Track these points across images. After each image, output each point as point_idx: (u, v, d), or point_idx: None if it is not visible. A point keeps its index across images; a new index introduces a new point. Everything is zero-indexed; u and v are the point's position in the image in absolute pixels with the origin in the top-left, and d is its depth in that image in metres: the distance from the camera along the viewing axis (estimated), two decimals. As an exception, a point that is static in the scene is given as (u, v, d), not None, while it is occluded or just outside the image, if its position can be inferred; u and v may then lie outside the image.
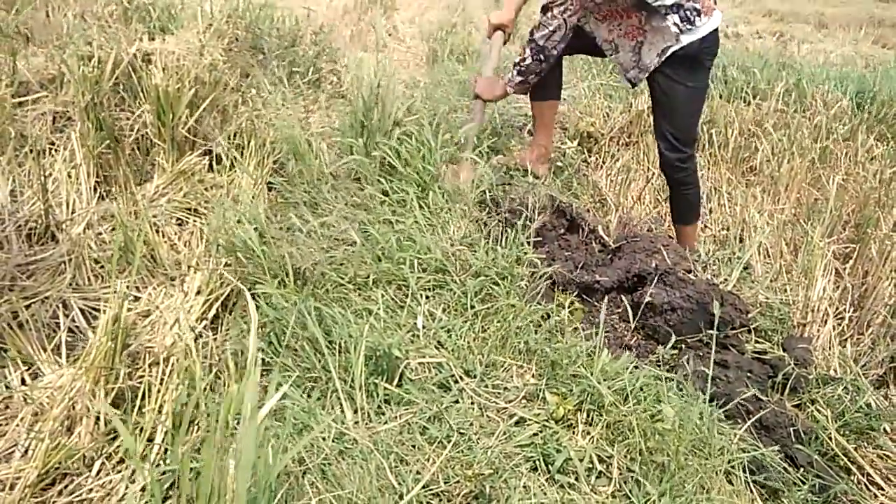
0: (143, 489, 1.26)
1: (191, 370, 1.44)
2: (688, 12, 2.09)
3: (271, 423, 1.30)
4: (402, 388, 1.47)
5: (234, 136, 2.48)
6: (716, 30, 2.16)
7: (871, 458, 1.58)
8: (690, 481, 1.31)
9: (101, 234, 1.94)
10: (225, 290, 1.83)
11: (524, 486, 1.27)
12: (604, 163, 3.26)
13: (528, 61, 2.33)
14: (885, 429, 1.64)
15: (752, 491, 1.44)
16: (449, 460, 1.30)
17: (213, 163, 2.41)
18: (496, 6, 8.93)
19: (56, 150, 2.13)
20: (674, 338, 1.82)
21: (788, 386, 1.74)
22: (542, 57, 2.30)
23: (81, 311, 1.65)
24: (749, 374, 1.72)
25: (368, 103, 2.35)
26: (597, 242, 2.25)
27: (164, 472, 1.26)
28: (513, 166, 2.65)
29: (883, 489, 1.52)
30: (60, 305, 1.64)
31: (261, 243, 1.79)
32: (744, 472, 1.45)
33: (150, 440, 1.36)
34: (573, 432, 1.41)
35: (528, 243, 1.93)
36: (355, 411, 1.40)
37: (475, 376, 1.53)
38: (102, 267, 1.82)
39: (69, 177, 2.06)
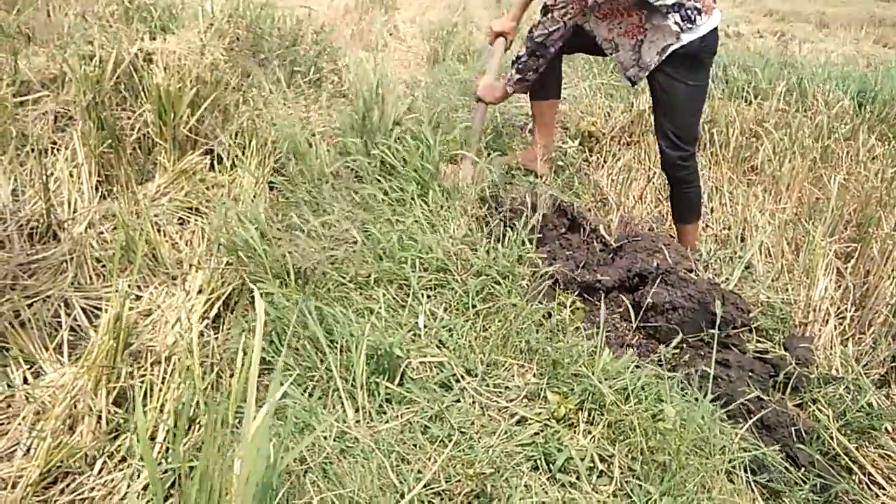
0: (144, 488, 1.26)
1: (192, 369, 1.45)
2: (689, 11, 2.09)
3: (273, 422, 1.30)
4: (403, 387, 1.47)
5: (236, 135, 2.48)
6: (715, 28, 2.16)
7: (873, 457, 1.58)
8: (691, 481, 1.31)
9: (102, 233, 1.95)
10: (226, 290, 1.83)
11: (525, 486, 1.27)
12: (605, 162, 3.26)
13: (526, 58, 2.34)
14: (886, 428, 1.63)
15: (753, 490, 1.44)
16: (450, 459, 1.30)
17: (215, 162, 2.42)
18: (497, 6, 8.94)
19: (58, 150, 2.14)
20: (676, 337, 1.82)
21: (790, 385, 1.74)
22: (539, 54, 2.30)
23: (83, 310, 1.66)
24: (750, 374, 1.72)
25: (369, 103, 2.36)
26: (598, 242, 2.25)
27: (165, 471, 1.26)
28: (514, 166, 2.65)
29: (884, 489, 1.52)
30: (62, 304, 1.64)
31: (262, 242, 1.79)
32: (745, 471, 1.45)
33: (153, 439, 1.36)
34: (574, 431, 1.41)
35: (530, 242, 1.93)
36: (356, 410, 1.40)
37: (476, 375, 1.53)
38: (104, 266, 1.82)
39: (71, 176, 2.06)
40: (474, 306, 1.71)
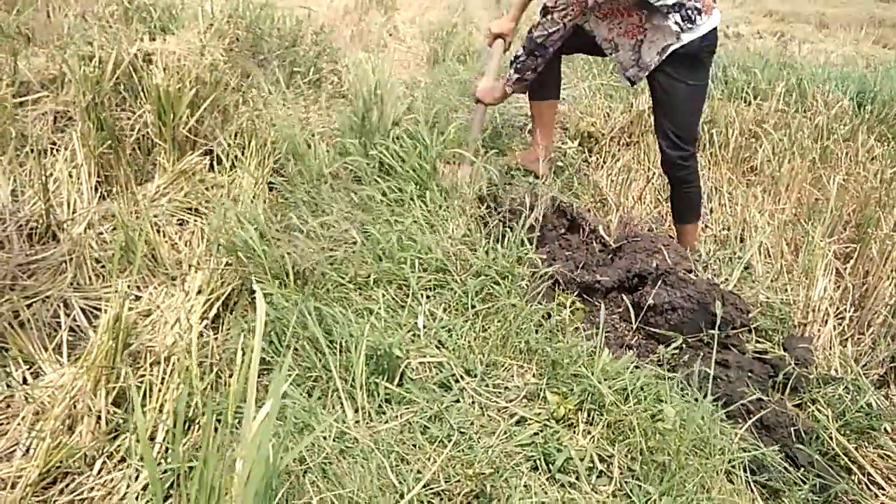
0: (144, 488, 1.26)
1: (192, 369, 1.45)
2: (689, 11, 2.09)
3: (272, 422, 1.29)
4: (402, 387, 1.47)
5: (235, 136, 2.49)
6: (715, 28, 2.16)
7: (872, 457, 1.58)
8: (691, 481, 1.31)
9: (101, 233, 1.95)
10: (226, 290, 1.83)
11: (525, 486, 1.27)
12: (604, 163, 3.26)
13: (525, 58, 2.34)
14: (885, 428, 1.64)
15: (752, 490, 1.44)
16: (450, 459, 1.30)
17: (214, 163, 2.42)
18: (496, 6, 8.94)
19: (57, 150, 2.14)
20: (676, 338, 1.82)
21: (789, 386, 1.74)
22: (538, 54, 2.30)
23: (82, 310, 1.66)
24: (750, 374, 1.72)
25: (368, 103, 2.36)
26: (597, 242, 2.25)
27: (165, 471, 1.26)
28: (513, 166, 2.65)
29: (884, 489, 1.52)
30: (61, 305, 1.64)
31: (261, 243, 1.79)
32: (744, 471, 1.45)
33: (152, 439, 1.36)
34: (574, 432, 1.41)
35: (529, 243, 1.93)
36: (356, 410, 1.40)
37: (476, 376, 1.53)
38: (103, 266, 1.82)
39: (70, 176, 2.06)
40: (473, 307, 1.71)
